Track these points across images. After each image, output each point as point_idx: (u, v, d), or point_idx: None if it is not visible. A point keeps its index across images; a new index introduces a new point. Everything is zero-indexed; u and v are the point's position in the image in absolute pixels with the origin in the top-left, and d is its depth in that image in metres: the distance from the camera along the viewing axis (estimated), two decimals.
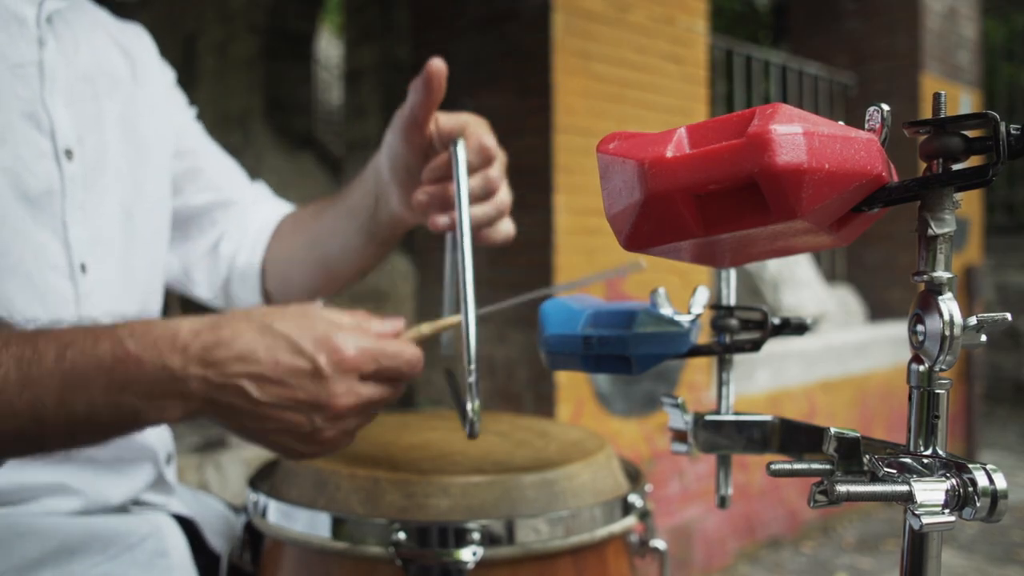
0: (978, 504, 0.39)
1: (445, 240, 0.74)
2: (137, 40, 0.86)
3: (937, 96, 0.42)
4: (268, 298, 0.92)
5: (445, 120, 0.69)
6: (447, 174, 0.69)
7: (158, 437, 0.78)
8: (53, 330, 0.54)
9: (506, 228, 0.71)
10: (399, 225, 0.78)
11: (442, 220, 0.70)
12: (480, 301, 0.64)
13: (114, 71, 0.80)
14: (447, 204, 0.69)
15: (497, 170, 0.69)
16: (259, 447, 0.58)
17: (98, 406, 0.52)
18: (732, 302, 0.58)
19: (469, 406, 0.60)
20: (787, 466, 0.46)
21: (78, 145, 0.72)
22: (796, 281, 3.77)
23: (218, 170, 0.93)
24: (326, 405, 0.53)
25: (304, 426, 0.54)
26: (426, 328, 0.63)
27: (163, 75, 0.90)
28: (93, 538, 0.69)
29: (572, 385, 2.48)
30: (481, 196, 0.69)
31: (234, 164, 0.96)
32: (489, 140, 0.69)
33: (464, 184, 0.66)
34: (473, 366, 0.61)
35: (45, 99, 0.70)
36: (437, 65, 0.65)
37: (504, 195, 0.71)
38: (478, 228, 0.69)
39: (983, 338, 0.41)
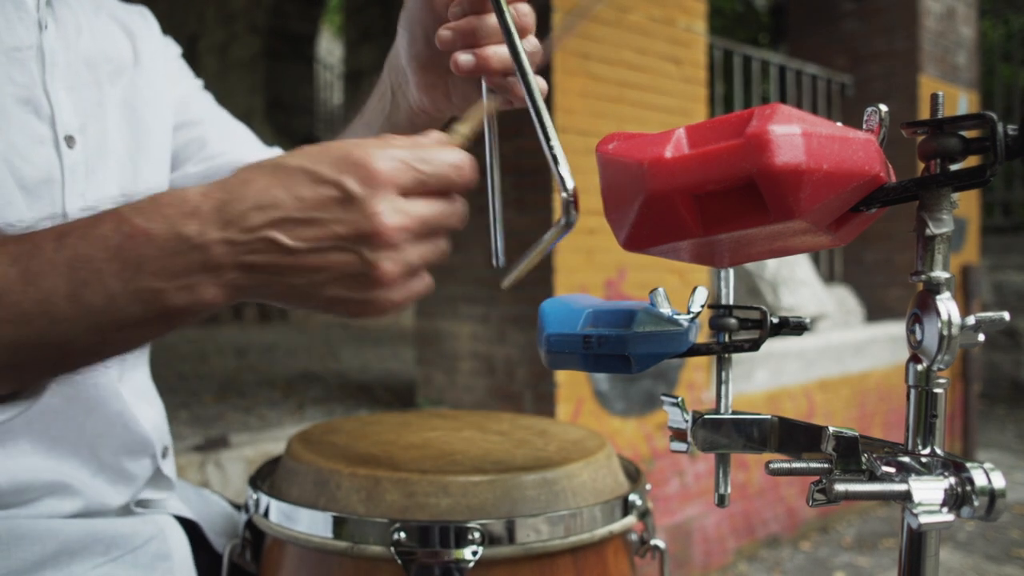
0: (976, 503, 0.39)
1: (482, 93, 0.64)
2: (141, 20, 0.84)
3: (935, 97, 0.43)
4: None
5: None
6: (473, 8, 0.62)
7: (154, 429, 0.77)
8: (49, 226, 0.48)
9: (538, 82, 0.61)
10: (418, 121, 0.72)
11: (464, 58, 0.61)
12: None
13: (117, 54, 0.78)
14: (472, 41, 0.61)
15: (528, 9, 0.62)
16: (323, 312, 0.49)
17: (116, 295, 0.45)
18: (731, 301, 0.58)
19: (564, 181, 0.49)
20: (786, 465, 0.46)
21: (80, 133, 0.70)
22: (796, 281, 3.77)
23: (224, 137, 0.89)
24: (371, 232, 0.45)
25: (355, 266, 0.45)
26: (464, 127, 0.54)
27: (166, 51, 0.87)
28: (94, 540, 0.69)
29: (572, 384, 2.49)
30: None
31: (246, 130, 0.92)
32: None
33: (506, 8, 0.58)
34: (553, 141, 0.51)
35: (46, 84, 0.68)
36: None
37: (534, 42, 0.63)
38: (503, 76, 0.61)
39: (981, 337, 0.42)
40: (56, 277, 0.45)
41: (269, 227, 0.45)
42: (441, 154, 0.48)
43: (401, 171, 0.46)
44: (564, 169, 0.50)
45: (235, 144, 0.88)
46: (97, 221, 0.47)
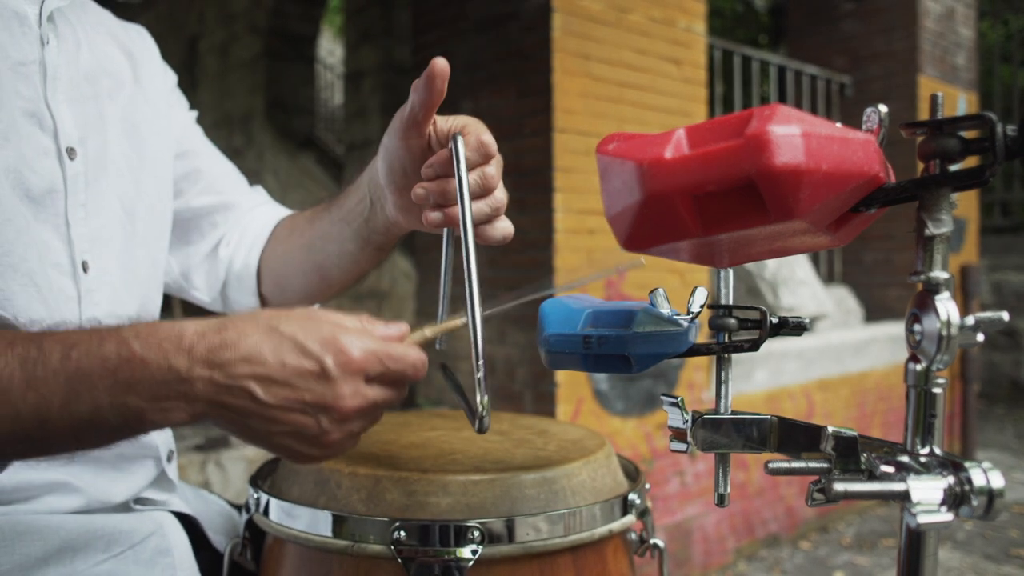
0: (975, 502, 0.39)
1: (443, 240, 0.74)
2: (140, 40, 0.87)
3: (934, 98, 0.43)
4: (264, 302, 0.92)
5: (443, 121, 0.70)
6: (445, 171, 0.70)
7: (159, 434, 0.78)
8: (58, 331, 0.54)
9: (504, 226, 0.71)
10: (393, 231, 0.79)
11: (435, 216, 0.69)
12: (482, 299, 0.64)
13: (116, 71, 0.80)
14: (443, 200, 0.70)
15: (494, 168, 0.70)
16: (263, 449, 0.57)
17: (103, 408, 0.51)
18: (730, 302, 0.58)
19: (478, 399, 0.60)
20: (785, 465, 0.46)
21: (80, 144, 0.73)
22: (795, 281, 3.78)
23: (218, 173, 0.93)
24: (333, 407, 0.53)
25: (311, 428, 0.53)
26: (429, 331, 0.63)
27: (165, 77, 0.90)
28: (96, 536, 0.69)
29: (572, 384, 2.49)
30: (478, 193, 0.69)
31: (233, 168, 0.97)
32: (488, 138, 0.69)
33: (465, 178, 0.66)
34: (481, 361, 0.61)
35: (48, 98, 0.70)
36: (440, 65, 0.65)
37: (501, 193, 0.71)
38: (475, 225, 0.69)
39: (980, 337, 0.42)
40: (55, 387, 0.51)
41: (250, 379, 0.52)
42: (407, 354, 0.56)
43: (371, 362, 0.54)
44: (482, 383, 0.60)
45: (228, 184, 0.94)
46: (102, 340, 0.52)
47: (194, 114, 0.95)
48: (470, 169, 0.68)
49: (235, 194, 0.93)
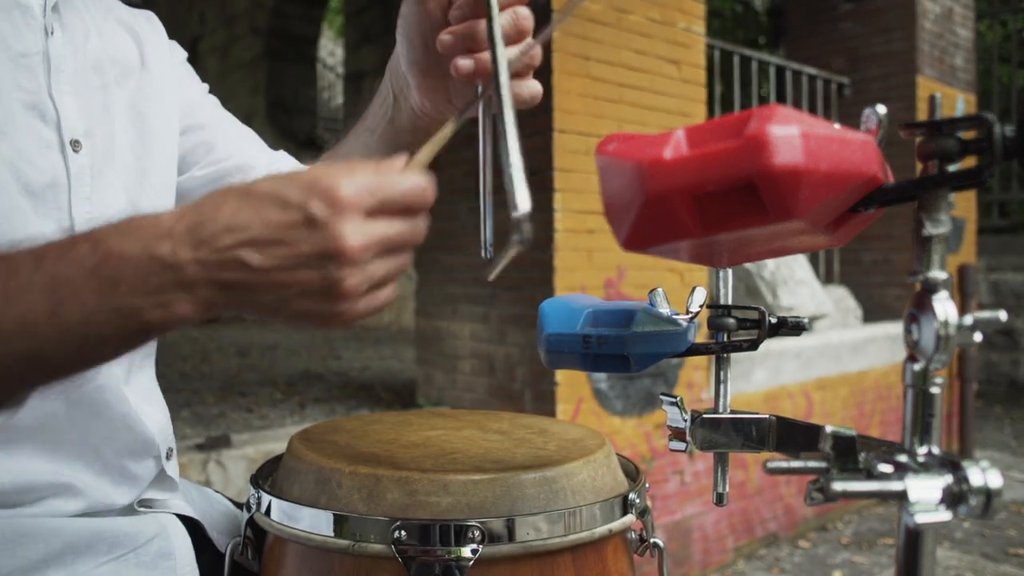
0: (973, 501, 0.40)
1: (478, 107, 0.65)
2: (148, 25, 0.85)
3: (933, 98, 0.43)
4: None
5: None
6: (474, 12, 0.64)
7: (159, 431, 0.78)
8: (26, 246, 0.50)
9: (532, 86, 0.65)
10: (420, 124, 0.74)
11: (464, 63, 0.63)
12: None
13: (124, 58, 0.79)
14: (472, 44, 0.64)
15: (527, 12, 0.65)
16: (289, 324, 0.52)
17: (94, 313, 0.48)
18: (729, 301, 0.59)
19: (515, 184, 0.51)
20: (784, 464, 0.47)
21: (86, 137, 0.71)
22: (794, 281, 3.78)
23: (230, 140, 0.90)
24: (335, 251, 0.48)
25: (320, 281, 0.48)
26: (424, 152, 0.57)
27: (172, 54, 0.88)
28: (98, 539, 0.69)
29: (572, 383, 2.49)
30: (512, 36, 0.63)
31: (251, 133, 0.93)
32: None
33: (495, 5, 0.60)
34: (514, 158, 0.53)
35: (51, 89, 0.69)
36: None
37: (532, 44, 0.65)
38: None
39: (978, 337, 0.42)
40: (35, 296, 0.47)
41: (238, 247, 0.48)
42: (403, 179, 0.51)
43: (364, 195, 0.49)
44: (521, 188, 0.51)
45: (241, 147, 0.89)
46: (73, 243, 0.49)
47: (205, 87, 0.92)
48: (502, 8, 0.63)
49: (250, 156, 0.90)
